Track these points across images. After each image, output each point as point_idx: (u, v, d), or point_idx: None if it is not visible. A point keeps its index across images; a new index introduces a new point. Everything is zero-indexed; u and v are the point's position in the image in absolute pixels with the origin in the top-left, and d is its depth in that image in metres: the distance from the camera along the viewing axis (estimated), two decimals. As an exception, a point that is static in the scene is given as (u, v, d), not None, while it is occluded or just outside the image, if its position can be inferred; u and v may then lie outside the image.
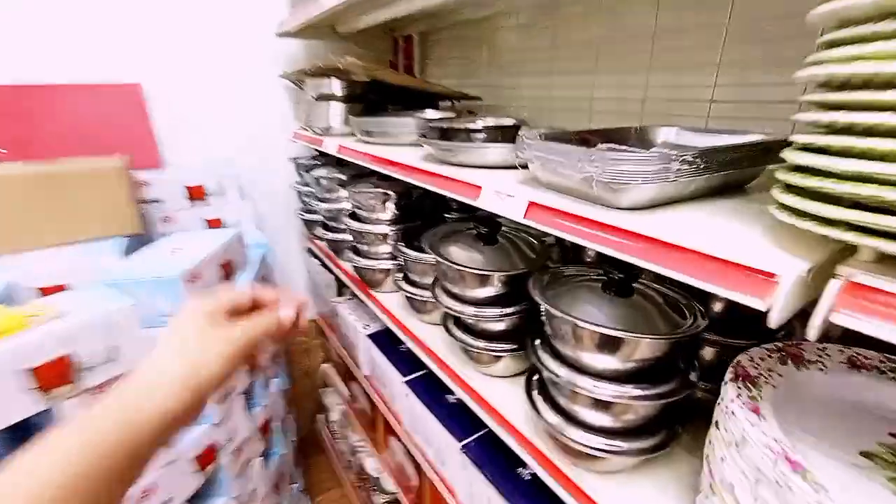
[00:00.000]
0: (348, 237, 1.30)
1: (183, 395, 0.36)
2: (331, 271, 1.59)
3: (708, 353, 0.68)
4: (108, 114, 1.44)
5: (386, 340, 1.31)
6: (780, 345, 0.58)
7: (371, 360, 1.38)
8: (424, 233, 0.93)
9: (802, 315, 0.37)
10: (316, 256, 1.72)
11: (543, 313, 0.64)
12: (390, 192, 1.14)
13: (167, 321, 0.41)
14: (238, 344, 0.40)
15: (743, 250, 0.39)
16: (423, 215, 1.19)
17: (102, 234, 1.21)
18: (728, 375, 0.52)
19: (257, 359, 0.45)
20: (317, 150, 1.48)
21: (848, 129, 0.36)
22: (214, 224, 1.55)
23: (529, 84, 1.30)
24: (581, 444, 0.60)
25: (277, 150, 1.75)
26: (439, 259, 0.80)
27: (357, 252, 1.24)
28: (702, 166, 0.48)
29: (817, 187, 0.37)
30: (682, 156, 0.46)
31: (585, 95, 1.12)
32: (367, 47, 1.75)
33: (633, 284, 0.61)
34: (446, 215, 1.25)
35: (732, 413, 0.47)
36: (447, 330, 0.91)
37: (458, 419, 1.00)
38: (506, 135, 0.84)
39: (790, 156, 0.40)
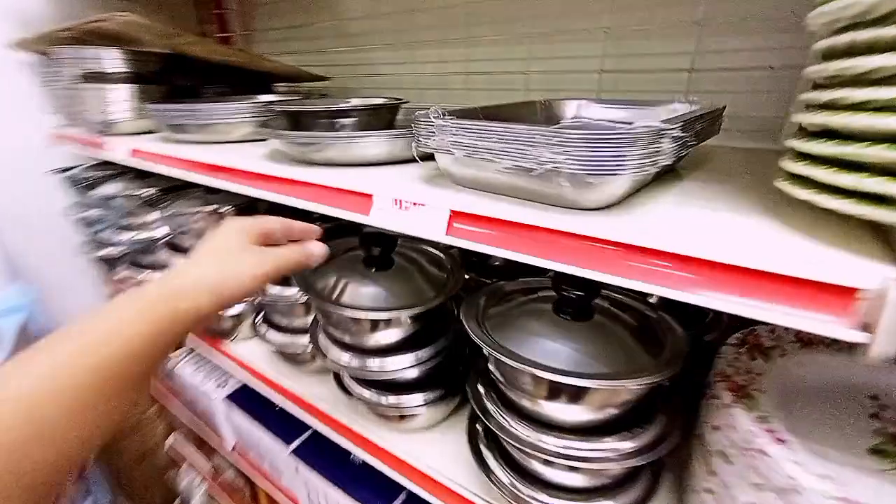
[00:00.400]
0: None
1: (213, 299, 0.40)
2: (154, 321, 1.16)
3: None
4: None
5: (252, 397, 1.01)
6: (739, 337, 0.52)
7: (236, 428, 1.05)
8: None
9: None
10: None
11: (490, 361, 0.48)
12: (226, 208, 0.83)
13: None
14: (266, 268, 0.43)
15: (812, 260, 0.27)
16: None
17: None
18: (725, 394, 0.43)
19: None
20: (95, 157, 1.04)
21: None
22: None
23: (387, 59, 1.10)
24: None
25: (30, 160, 1.19)
26: (319, 302, 0.57)
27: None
28: (689, 142, 0.35)
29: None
30: (671, 130, 0.33)
31: (457, 70, 0.97)
32: (165, 13, 1.31)
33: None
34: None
35: (764, 453, 0.37)
36: (341, 386, 0.69)
37: (371, 485, 0.79)
38: (380, 119, 0.64)
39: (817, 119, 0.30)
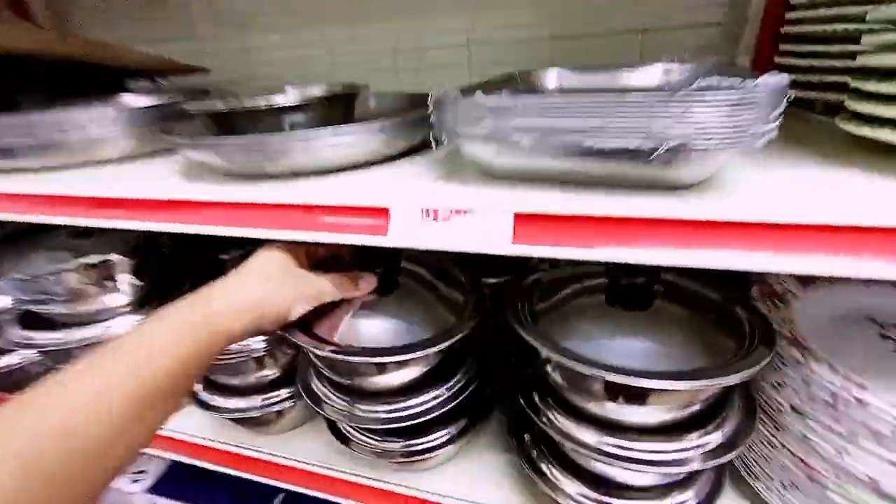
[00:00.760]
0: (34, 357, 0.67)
1: (251, 324, 0.39)
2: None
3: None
4: None
5: (185, 479, 0.80)
6: (755, 291, 0.53)
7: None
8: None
9: None
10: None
11: (555, 370, 0.41)
12: (115, 258, 0.60)
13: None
14: (307, 297, 0.43)
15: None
16: (186, 267, 0.70)
17: None
18: (790, 349, 0.43)
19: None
20: None
21: None
22: None
23: (279, 44, 0.91)
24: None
25: None
26: (335, 355, 0.43)
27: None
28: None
29: None
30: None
31: (363, 49, 0.85)
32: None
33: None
34: (224, 256, 0.79)
35: (861, 401, 0.37)
36: (341, 437, 0.56)
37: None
38: (336, 111, 0.51)
39: None
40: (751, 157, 0.39)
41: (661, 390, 0.39)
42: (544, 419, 0.44)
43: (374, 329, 0.47)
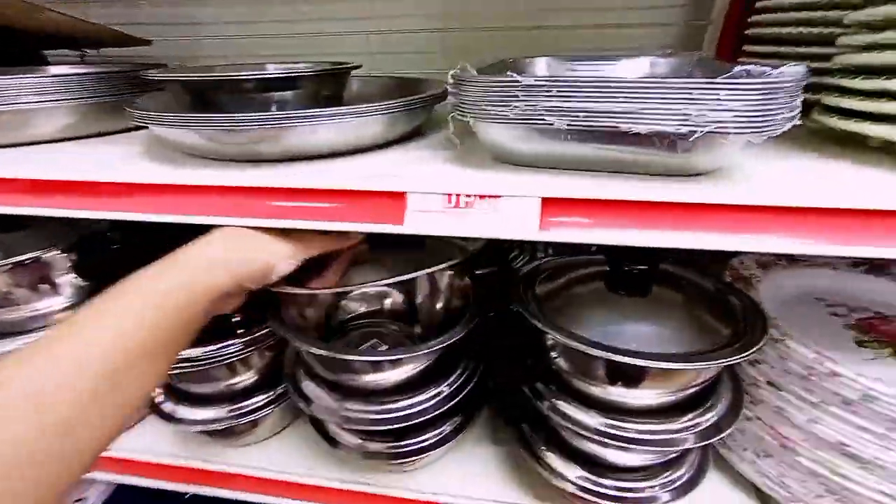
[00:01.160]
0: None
1: (225, 273, 0.36)
2: None
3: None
4: None
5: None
6: (731, 274, 0.57)
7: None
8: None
9: None
10: None
11: (562, 355, 0.41)
12: (50, 256, 0.51)
13: None
14: (287, 249, 0.39)
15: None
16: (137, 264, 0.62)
17: None
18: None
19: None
20: None
21: None
22: None
23: (233, 18, 0.84)
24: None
25: None
26: (331, 354, 0.40)
27: None
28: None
29: None
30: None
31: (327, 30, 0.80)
32: None
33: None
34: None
35: (834, 374, 0.41)
36: (329, 439, 0.53)
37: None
38: (328, 90, 0.47)
39: None
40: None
41: (665, 372, 0.40)
42: (547, 405, 0.44)
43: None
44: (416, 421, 0.46)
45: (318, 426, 0.53)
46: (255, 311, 0.51)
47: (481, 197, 0.33)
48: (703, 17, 0.71)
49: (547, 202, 0.32)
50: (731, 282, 0.52)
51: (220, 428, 0.54)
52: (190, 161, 0.41)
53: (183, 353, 0.49)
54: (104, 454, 0.42)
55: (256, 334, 0.52)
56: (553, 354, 0.44)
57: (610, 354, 0.37)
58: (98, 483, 0.74)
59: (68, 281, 0.53)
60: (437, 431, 0.52)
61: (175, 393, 0.55)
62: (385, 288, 0.56)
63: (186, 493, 0.57)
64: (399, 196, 0.34)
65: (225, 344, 0.51)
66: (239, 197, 0.36)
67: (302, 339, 0.41)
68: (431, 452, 0.51)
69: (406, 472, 0.57)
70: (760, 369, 0.48)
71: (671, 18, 0.75)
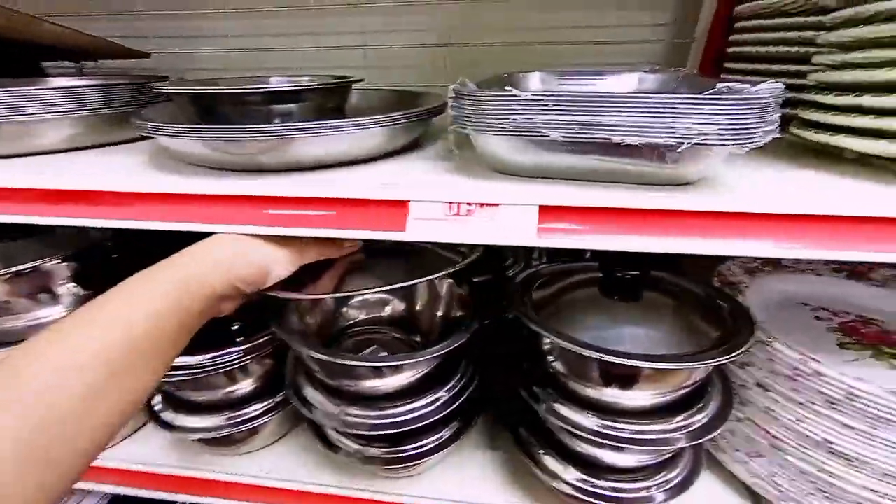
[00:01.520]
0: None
1: (224, 275, 0.37)
2: None
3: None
4: None
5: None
6: (719, 280, 0.59)
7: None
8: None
9: None
10: None
11: (559, 358, 0.43)
12: (50, 265, 0.52)
13: None
14: (284, 255, 0.40)
15: None
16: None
17: None
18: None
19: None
20: None
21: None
22: None
23: (233, 31, 0.85)
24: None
25: None
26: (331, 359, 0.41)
27: None
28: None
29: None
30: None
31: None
32: None
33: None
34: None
35: (819, 374, 0.43)
36: (329, 445, 0.53)
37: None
38: (334, 102, 0.49)
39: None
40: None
41: (657, 372, 0.42)
42: (545, 407, 0.45)
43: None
44: (416, 426, 0.47)
45: (318, 432, 0.54)
46: (254, 318, 0.52)
47: (481, 205, 0.35)
48: (687, 35, 0.74)
49: (544, 210, 0.34)
50: (719, 287, 0.54)
51: (219, 436, 0.54)
52: (195, 171, 0.42)
53: (182, 360, 0.51)
54: (101, 464, 0.42)
55: (256, 342, 0.53)
56: (550, 358, 0.46)
57: (605, 356, 0.38)
58: (93, 494, 0.73)
59: (68, 290, 0.53)
60: (436, 436, 0.52)
61: (174, 401, 0.55)
62: (385, 295, 0.57)
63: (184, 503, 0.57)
64: (402, 204, 0.35)
65: (224, 352, 0.51)
66: (247, 206, 0.37)
67: (304, 343, 0.42)
68: (431, 457, 0.52)
69: (405, 478, 0.57)
70: (749, 371, 0.50)
71: (657, 36, 0.78)
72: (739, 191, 0.34)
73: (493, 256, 0.70)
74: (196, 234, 0.39)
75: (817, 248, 0.32)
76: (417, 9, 0.80)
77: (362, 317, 0.58)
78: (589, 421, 0.44)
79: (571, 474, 0.48)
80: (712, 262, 0.62)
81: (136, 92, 0.54)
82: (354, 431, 0.49)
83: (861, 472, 0.43)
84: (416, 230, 0.36)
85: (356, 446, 0.52)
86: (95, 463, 0.31)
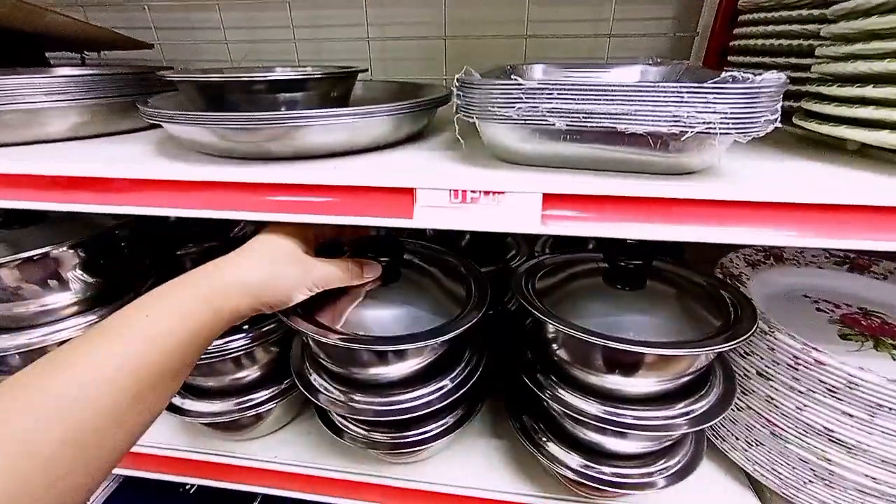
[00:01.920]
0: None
1: (253, 303, 0.38)
2: None
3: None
4: None
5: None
6: (722, 272, 0.59)
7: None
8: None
9: None
10: None
11: (564, 346, 0.43)
12: (58, 252, 0.52)
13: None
14: (309, 283, 0.41)
15: None
16: (144, 261, 0.64)
17: None
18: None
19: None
20: None
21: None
22: None
23: (233, 22, 0.86)
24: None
25: None
26: (338, 342, 0.42)
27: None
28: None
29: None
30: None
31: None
32: None
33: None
34: (180, 252, 0.72)
35: (820, 363, 0.43)
36: (335, 430, 0.54)
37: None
38: (339, 91, 0.49)
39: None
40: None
41: (659, 359, 0.42)
42: (549, 394, 0.46)
43: (379, 318, 0.46)
44: (421, 413, 0.48)
45: (324, 417, 0.54)
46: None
47: (486, 193, 0.35)
48: (690, 28, 0.74)
49: (548, 198, 0.34)
50: (722, 277, 0.54)
51: (227, 420, 0.54)
52: (201, 159, 0.42)
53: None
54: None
55: (263, 329, 0.53)
56: (554, 346, 0.46)
57: (609, 342, 0.39)
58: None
59: (77, 276, 0.54)
60: (441, 423, 0.53)
61: (183, 386, 0.56)
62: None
63: (190, 487, 0.58)
64: (408, 192, 0.36)
65: (232, 338, 0.52)
66: (255, 193, 0.38)
67: (312, 329, 0.43)
68: (435, 443, 0.53)
69: (410, 463, 0.58)
70: (751, 360, 0.51)
71: (661, 30, 0.78)
72: (742, 180, 0.35)
73: (498, 247, 0.71)
74: (203, 220, 0.39)
75: (818, 236, 0.32)
76: (419, 1, 0.80)
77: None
78: (592, 407, 0.44)
79: (574, 460, 0.49)
80: (715, 254, 0.63)
81: (142, 81, 0.54)
82: (359, 417, 0.50)
83: (860, 459, 0.44)
84: (423, 217, 0.36)
85: (362, 432, 0.52)
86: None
